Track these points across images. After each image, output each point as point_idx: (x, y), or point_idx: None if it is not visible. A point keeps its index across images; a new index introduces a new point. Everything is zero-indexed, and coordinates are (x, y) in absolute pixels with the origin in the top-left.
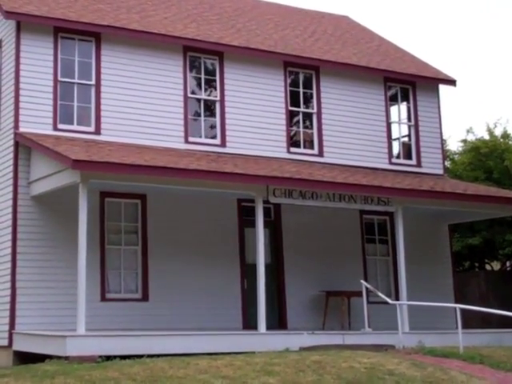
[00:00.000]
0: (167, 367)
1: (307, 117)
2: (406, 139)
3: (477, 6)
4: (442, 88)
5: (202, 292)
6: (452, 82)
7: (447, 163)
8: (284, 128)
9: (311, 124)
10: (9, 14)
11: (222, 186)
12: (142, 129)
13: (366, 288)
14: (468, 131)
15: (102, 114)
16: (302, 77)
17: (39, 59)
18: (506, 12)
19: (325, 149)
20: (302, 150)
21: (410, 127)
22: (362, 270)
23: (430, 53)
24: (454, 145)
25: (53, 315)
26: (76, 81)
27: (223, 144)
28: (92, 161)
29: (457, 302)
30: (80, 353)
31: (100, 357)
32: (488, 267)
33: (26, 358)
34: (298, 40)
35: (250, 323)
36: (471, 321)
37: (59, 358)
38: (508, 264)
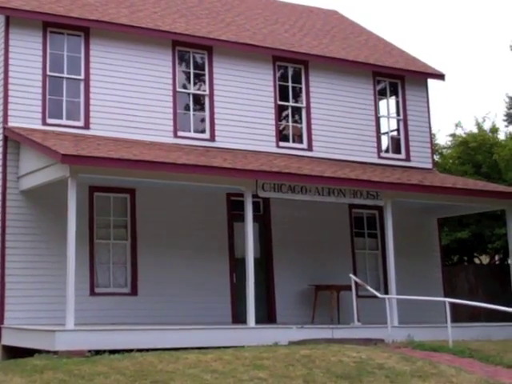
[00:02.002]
0: (157, 361)
1: (296, 111)
2: (394, 133)
3: (465, 0)
4: (431, 82)
5: (191, 286)
6: (441, 77)
7: (436, 157)
8: (273, 122)
9: (300, 118)
10: None
11: (211, 181)
12: (131, 123)
13: (355, 282)
14: (457, 125)
15: (91, 108)
16: (291, 71)
17: (28, 54)
18: (494, 6)
19: (314, 143)
20: (290, 144)
21: (398, 121)
22: (351, 264)
23: (419, 47)
24: (442, 139)
25: (42, 309)
26: (65, 75)
27: (212, 138)
28: (81, 155)
29: (445, 295)
30: (69, 347)
31: (89, 351)
32: (477, 261)
33: (15, 353)
34: (287, 34)
35: (239, 317)
36: (459, 314)
37: (48, 352)
38: (497, 258)
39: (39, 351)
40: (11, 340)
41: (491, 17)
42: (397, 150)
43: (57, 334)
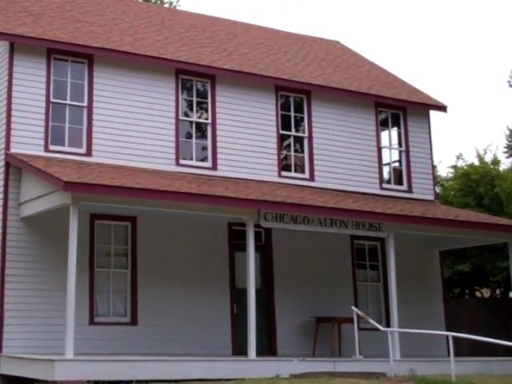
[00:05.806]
0: None
1: (298, 141)
2: (396, 164)
3: (467, 33)
4: (433, 114)
5: (192, 316)
6: (443, 108)
7: (437, 189)
8: (275, 152)
9: (302, 148)
10: (2, 35)
11: (213, 210)
12: (134, 151)
13: (357, 314)
14: (458, 157)
15: (94, 135)
16: (293, 101)
17: (32, 80)
18: (496, 38)
19: (316, 173)
20: (292, 174)
21: (400, 152)
22: (353, 296)
23: (421, 78)
24: (443, 171)
25: (41, 338)
26: (68, 102)
27: (214, 167)
28: (83, 183)
29: (447, 328)
30: (68, 377)
31: (88, 382)
32: (478, 294)
33: (13, 382)
34: (290, 64)
35: (239, 349)
36: (459, 347)
37: (47, 382)
38: (498, 291)
39: (38, 381)
40: (10, 369)
41: (492, 52)
42: (398, 181)
43: (56, 364)
